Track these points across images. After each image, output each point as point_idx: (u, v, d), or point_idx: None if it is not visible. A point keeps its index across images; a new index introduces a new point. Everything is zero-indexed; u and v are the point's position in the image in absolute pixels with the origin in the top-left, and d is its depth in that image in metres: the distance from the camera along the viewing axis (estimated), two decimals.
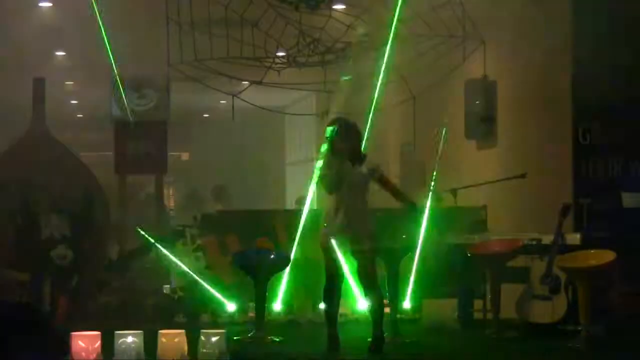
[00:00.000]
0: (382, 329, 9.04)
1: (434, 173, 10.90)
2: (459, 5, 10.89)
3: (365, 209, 9.06)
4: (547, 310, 10.01)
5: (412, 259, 10.71)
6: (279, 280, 10.95)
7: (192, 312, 11.18)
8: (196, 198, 17.80)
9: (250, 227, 11.35)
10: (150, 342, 8.57)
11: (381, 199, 9.59)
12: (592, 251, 9.79)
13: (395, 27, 10.76)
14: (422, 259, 10.85)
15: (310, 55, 11.06)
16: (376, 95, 11.06)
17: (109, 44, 10.48)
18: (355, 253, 8.98)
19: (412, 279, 10.86)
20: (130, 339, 8.49)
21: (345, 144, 8.94)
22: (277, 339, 9.92)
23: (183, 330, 8.71)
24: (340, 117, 9.29)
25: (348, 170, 8.95)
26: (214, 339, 8.57)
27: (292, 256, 10.72)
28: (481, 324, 10.54)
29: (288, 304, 11.30)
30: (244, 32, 10.51)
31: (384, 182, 9.16)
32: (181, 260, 11.36)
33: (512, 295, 10.28)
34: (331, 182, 8.92)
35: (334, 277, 9.04)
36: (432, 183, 10.89)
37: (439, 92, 12.07)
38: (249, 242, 11.21)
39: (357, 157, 9.01)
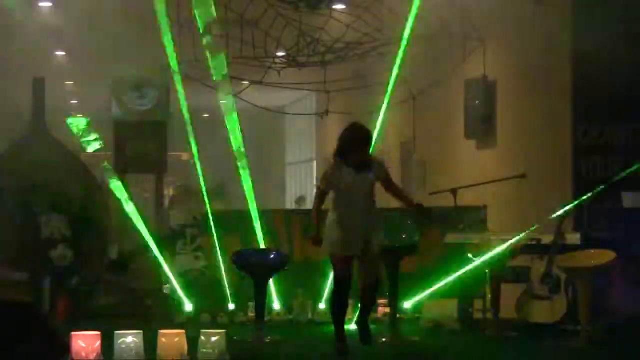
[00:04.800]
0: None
1: None
2: (458, 5, 10.89)
3: (375, 212, 8.99)
4: (547, 310, 10.01)
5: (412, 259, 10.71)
6: (279, 280, 10.95)
7: (191, 312, 11.18)
8: (196, 197, 17.77)
9: (250, 227, 11.34)
10: (151, 342, 8.58)
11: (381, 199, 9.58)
12: (592, 251, 9.79)
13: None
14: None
15: (310, 55, 11.05)
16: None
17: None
18: (369, 256, 8.85)
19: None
20: (130, 339, 8.51)
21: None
22: (277, 339, 9.92)
23: (183, 330, 8.73)
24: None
25: (355, 176, 8.85)
26: (214, 339, 8.58)
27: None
28: (481, 324, 10.54)
29: (288, 304, 11.31)
30: (244, 32, 10.51)
31: (389, 183, 9.08)
32: (181, 260, 11.36)
33: (512, 295, 10.28)
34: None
35: (345, 284, 8.89)
36: None
37: (439, 92, 12.07)
38: (249, 242, 11.21)
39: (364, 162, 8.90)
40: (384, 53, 10.92)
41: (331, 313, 9.14)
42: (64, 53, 17.25)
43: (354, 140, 8.83)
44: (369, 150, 8.94)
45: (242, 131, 11.00)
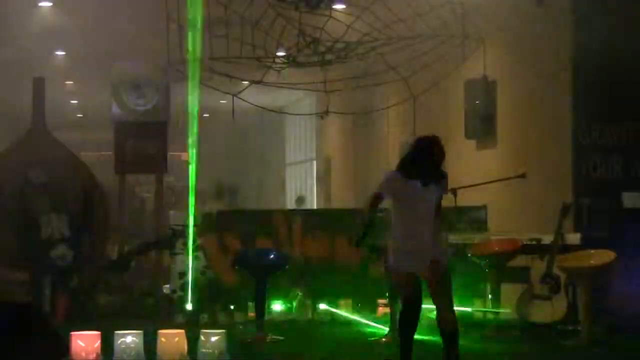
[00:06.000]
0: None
1: None
2: (459, 5, 10.89)
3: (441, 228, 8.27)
4: (547, 310, 10.01)
5: None
6: (279, 280, 10.95)
7: (192, 312, 11.18)
8: (202, 197, 17.80)
9: (250, 227, 11.35)
10: (150, 342, 8.58)
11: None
12: (592, 251, 9.80)
13: None
14: None
15: (310, 55, 11.04)
16: None
17: None
18: (437, 275, 7.98)
19: None
20: (130, 339, 8.51)
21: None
22: (277, 339, 9.92)
23: (183, 330, 8.73)
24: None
25: (420, 188, 8.00)
26: (214, 339, 8.58)
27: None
28: (481, 324, 10.54)
29: (288, 304, 11.31)
30: (244, 32, 10.50)
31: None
32: (181, 260, 11.37)
33: (512, 295, 10.28)
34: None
35: (410, 303, 8.09)
36: None
37: (439, 92, 12.07)
38: (249, 242, 11.21)
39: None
40: (384, 53, 10.91)
41: (399, 332, 8.28)
42: (64, 53, 17.26)
43: (420, 156, 8.00)
44: (440, 162, 8.03)
45: (242, 131, 11.01)
